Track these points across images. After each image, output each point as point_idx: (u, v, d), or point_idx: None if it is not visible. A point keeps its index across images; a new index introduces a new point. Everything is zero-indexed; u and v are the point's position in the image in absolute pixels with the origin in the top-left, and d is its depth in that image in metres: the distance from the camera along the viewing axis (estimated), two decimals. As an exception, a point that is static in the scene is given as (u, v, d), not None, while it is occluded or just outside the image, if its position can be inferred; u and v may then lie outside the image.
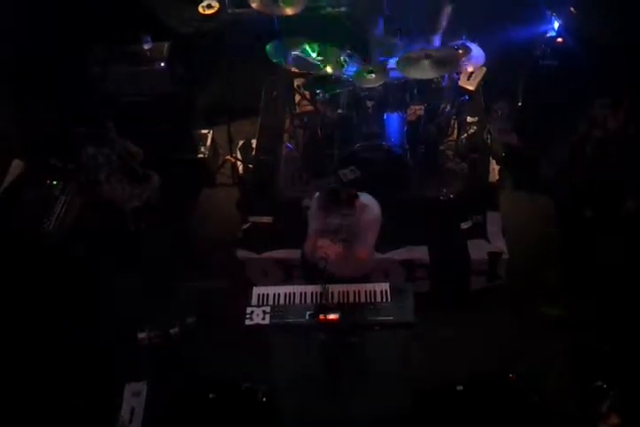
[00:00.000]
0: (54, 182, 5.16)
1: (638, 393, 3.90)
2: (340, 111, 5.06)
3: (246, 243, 5.03)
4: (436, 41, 5.29)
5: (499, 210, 5.02)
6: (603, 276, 4.55)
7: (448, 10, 5.23)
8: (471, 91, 5.36)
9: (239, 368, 4.31)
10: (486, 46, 5.07)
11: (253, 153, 5.71)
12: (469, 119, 5.48)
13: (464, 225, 4.95)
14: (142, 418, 3.79)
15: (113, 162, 4.88)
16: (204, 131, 5.87)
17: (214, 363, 4.37)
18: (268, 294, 4.06)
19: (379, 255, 4.77)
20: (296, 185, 5.35)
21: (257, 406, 4.02)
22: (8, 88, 5.48)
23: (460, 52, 4.97)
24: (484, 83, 5.43)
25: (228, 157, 5.77)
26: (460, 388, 3.93)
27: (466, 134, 5.41)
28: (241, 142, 5.89)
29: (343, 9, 5.80)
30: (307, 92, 5.61)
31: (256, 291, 4.10)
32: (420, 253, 4.83)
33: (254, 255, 4.96)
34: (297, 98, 5.70)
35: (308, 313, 3.91)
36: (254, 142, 5.77)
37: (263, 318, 3.92)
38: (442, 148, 5.38)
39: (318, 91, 5.08)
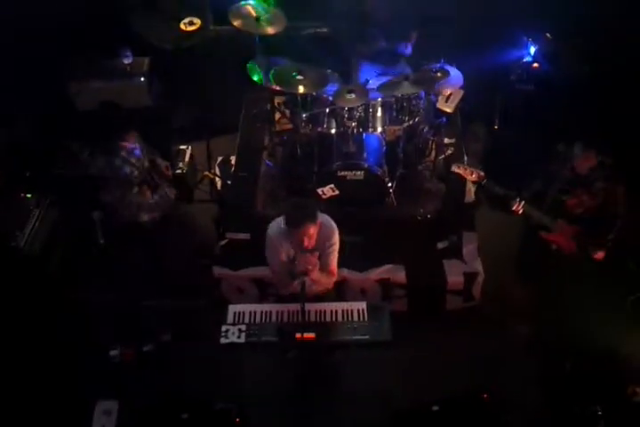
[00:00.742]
0: (28, 195, 5.09)
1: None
2: (319, 130, 5.10)
3: (222, 260, 5.00)
4: (408, 49, 5.44)
5: (475, 230, 5.07)
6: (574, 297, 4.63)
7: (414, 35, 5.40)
8: (449, 113, 5.45)
9: (213, 387, 4.24)
10: (464, 70, 5.18)
11: (232, 169, 5.70)
12: (447, 140, 5.56)
13: (440, 245, 4.98)
14: (113, 438, 3.72)
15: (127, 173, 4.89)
16: (183, 146, 5.85)
17: (188, 382, 4.29)
18: (243, 312, 4.03)
19: (356, 274, 4.80)
20: (274, 202, 5.35)
21: (230, 426, 3.97)
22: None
23: (439, 74, 5.07)
24: (462, 105, 5.54)
25: (207, 172, 5.75)
26: (435, 408, 3.93)
27: (443, 155, 5.49)
28: (220, 158, 5.90)
29: (324, 29, 5.89)
30: (286, 111, 5.66)
31: (232, 309, 4.07)
32: (397, 272, 4.85)
33: (230, 272, 4.92)
34: (277, 116, 5.74)
35: (284, 332, 3.90)
36: (233, 159, 5.77)
37: (238, 337, 3.89)
38: (420, 168, 5.44)
39: (298, 109, 5.11)
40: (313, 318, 3.96)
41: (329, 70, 5.18)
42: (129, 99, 5.90)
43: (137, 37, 6.10)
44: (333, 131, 5.10)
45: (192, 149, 5.84)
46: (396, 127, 5.17)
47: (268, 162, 5.64)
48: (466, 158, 5.56)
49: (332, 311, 4.00)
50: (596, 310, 4.47)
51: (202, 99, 5.96)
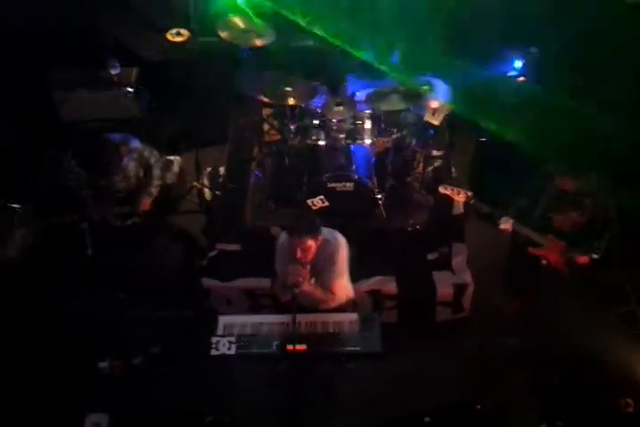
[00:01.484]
0: (14, 205, 5.03)
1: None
2: (308, 141, 5.12)
3: (212, 271, 4.97)
4: (395, 58, 5.55)
5: (464, 242, 5.11)
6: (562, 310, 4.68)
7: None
8: (436, 125, 5.51)
9: (204, 400, 4.19)
10: (451, 83, 5.25)
11: (221, 180, 5.70)
12: (435, 153, 5.61)
13: (430, 256, 5.01)
14: (103, 451, 3.66)
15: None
16: (171, 157, 5.83)
17: (178, 394, 4.24)
18: (234, 324, 4.02)
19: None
20: (264, 213, 5.35)
21: (221, 439, 3.94)
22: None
23: (426, 88, 5.14)
24: (449, 118, 5.60)
25: (196, 183, 5.73)
26: (427, 419, 3.93)
27: (431, 167, 5.54)
28: (209, 169, 5.88)
29: (312, 42, 5.93)
30: (275, 122, 5.68)
31: (222, 320, 4.05)
32: (388, 283, 4.86)
33: (220, 284, 4.90)
34: (266, 127, 5.75)
35: (275, 343, 3.89)
36: (222, 170, 5.77)
37: (229, 349, 3.87)
38: (408, 180, 5.48)
39: (287, 121, 5.13)
40: (304, 330, 3.96)
41: (317, 83, 5.22)
42: (116, 109, 5.87)
43: (125, 48, 6.10)
44: (322, 142, 5.13)
45: (181, 160, 5.82)
46: (385, 139, 5.22)
47: (257, 173, 5.64)
48: (453, 170, 5.63)
49: (322, 323, 4.00)
50: (584, 322, 4.52)
51: (190, 109, 5.95)
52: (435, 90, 5.19)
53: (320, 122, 5.10)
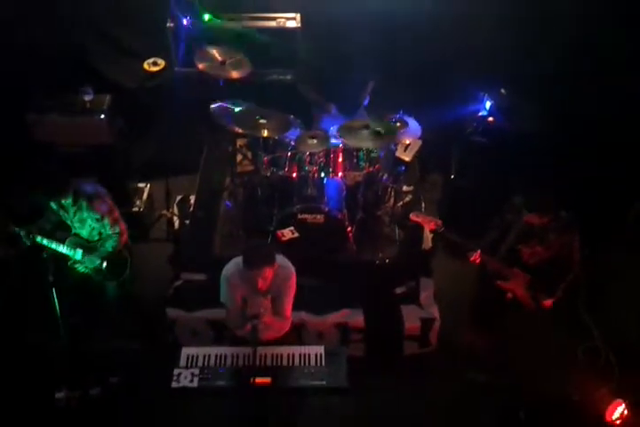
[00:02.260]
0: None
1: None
2: (280, 173, 5.14)
3: (177, 301, 4.89)
4: (365, 101, 5.60)
5: (432, 276, 5.13)
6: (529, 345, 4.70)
7: (372, 84, 5.57)
8: (407, 161, 5.61)
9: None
10: (423, 121, 5.36)
11: (191, 209, 5.66)
12: (405, 188, 5.70)
13: (398, 290, 5.02)
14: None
15: None
16: (141, 184, 5.79)
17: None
18: (197, 356, 3.94)
19: (314, 317, 4.76)
20: (232, 243, 5.30)
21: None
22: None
23: (398, 124, 5.23)
24: (420, 155, 5.70)
25: (165, 211, 5.68)
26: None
27: (402, 202, 5.61)
28: (179, 198, 5.85)
29: (289, 77, 6.02)
30: (248, 153, 5.70)
31: (185, 352, 3.97)
32: (355, 316, 4.83)
33: (185, 314, 4.81)
34: (239, 157, 5.77)
35: (238, 376, 3.81)
36: (192, 198, 5.74)
37: (191, 381, 3.79)
38: (379, 213, 5.52)
39: (260, 152, 5.16)
40: (269, 362, 3.90)
41: (292, 116, 5.28)
42: (88, 135, 5.83)
43: (99, 75, 6.10)
44: (294, 174, 5.15)
45: (151, 188, 5.79)
46: (357, 173, 5.27)
47: (227, 202, 5.62)
48: (423, 205, 5.70)
49: (288, 355, 3.95)
50: (550, 357, 4.55)
51: (163, 138, 5.95)
52: (407, 127, 5.28)
53: (293, 154, 5.14)
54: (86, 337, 4.62)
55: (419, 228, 5.16)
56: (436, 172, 6.12)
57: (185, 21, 5.63)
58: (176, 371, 3.83)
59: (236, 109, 5.18)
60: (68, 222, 4.57)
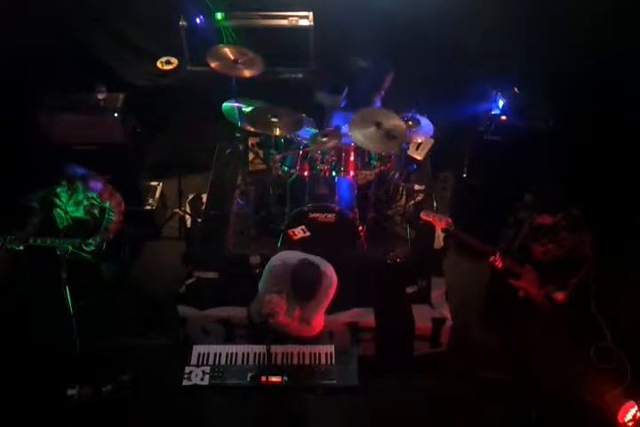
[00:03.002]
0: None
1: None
2: (292, 171, 5.15)
3: (189, 299, 4.91)
4: (377, 102, 5.56)
5: (443, 276, 5.11)
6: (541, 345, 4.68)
7: (391, 76, 5.54)
8: (419, 160, 5.61)
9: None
10: (435, 119, 5.34)
11: (203, 207, 5.69)
12: (417, 187, 5.69)
13: (409, 289, 5.00)
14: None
15: None
16: (154, 183, 5.82)
17: (147, 424, 4.14)
18: (208, 354, 3.96)
19: (325, 317, 4.75)
20: (244, 242, 5.32)
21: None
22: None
23: (410, 123, 5.21)
24: (432, 153, 5.68)
25: (177, 210, 5.71)
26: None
27: (413, 201, 5.59)
28: (191, 196, 5.88)
29: (300, 75, 6.02)
30: (260, 151, 5.71)
31: (196, 350, 3.99)
32: (366, 315, 4.83)
33: (196, 312, 4.83)
34: (250, 156, 5.78)
35: (249, 375, 3.82)
36: (204, 197, 5.76)
37: (202, 379, 3.81)
38: (390, 213, 5.51)
39: (272, 151, 5.17)
40: (280, 361, 3.90)
41: (303, 114, 5.27)
42: (101, 134, 5.86)
43: (113, 73, 6.13)
44: (306, 173, 5.15)
45: (163, 186, 5.82)
46: (368, 172, 5.26)
47: (239, 201, 5.64)
48: (435, 204, 5.68)
49: (299, 354, 3.95)
50: (563, 357, 4.52)
51: (175, 136, 5.97)
52: (419, 126, 5.26)
53: (305, 153, 5.14)
54: (98, 335, 4.66)
55: (430, 227, 5.14)
56: (448, 170, 6.11)
57: (198, 20, 5.64)
58: (187, 369, 3.85)
59: (248, 109, 5.19)
60: (62, 209, 4.65)
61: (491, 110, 5.59)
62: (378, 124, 4.83)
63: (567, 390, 4.40)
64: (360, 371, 3.82)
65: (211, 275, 5.08)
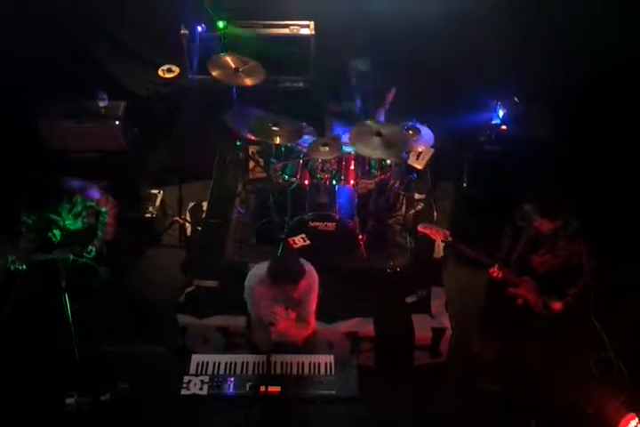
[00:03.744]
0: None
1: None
2: (292, 180, 5.15)
3: (188, 307, 4.90)
4: (381, 117, 5.57)
5: (443, 286, 5.10)
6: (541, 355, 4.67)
7: (393, 91, 5.55)
8: (419, 169, 5.61)
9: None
10: (435, 129, 5.35)
11: (203, 215, 5.69)
12: (417, 196, 5.70)
13: (409, 299, 4.99)
14: None
15: None
16: (154, 191, 5.82)
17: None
18: (207, 363, 3.95)
19: (324, 326, 4.75)
20: (244, 250, 5.32)
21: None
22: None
23: (410, 132, 5.22)
24: (432, 163, 5.69)
25: (177, 218, 5.71)
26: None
27: (413, 210, 5.59)
28: (191, 204, 5.87)
29: (301, 84, 6.04)
30: (261, 160, 5.72)
31: (195, 359, 3.98)
32: (365, 325, 4.81)
33: (195, 321, 4.82)
34: (251, 164, 5.79)
35: (248, 384, 3.81)
36: (205, 205, 5.76)
37: (201, 388, 3.79)
38: (390, 222, 5.51)
39: (273, 159, 5.17)
40: (279, 371, 3.89)
41: (304, 123, 5.28)
42: (102, 142, 5.89)
43: (114, 81, 6.15)
44: (306, 182, 5.16)
45: (163, 194, 5.82)
46: (368, 181, 5.27)
47: (239, 209, 5.64)
48: (435, 214, 5.68)
49: (298, 364, 3.94)
50: (562, 367, 4.50)
51: (176, 144, 5.98)
52: (419, 135, 5.27)
53: (305, 161, 5.15)
54: (96, 343, 4.64)
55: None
56: (449, 180, 6.10)
57: (199, 29, 5.67)
58: (186, 378, 3.84)
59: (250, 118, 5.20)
60: (59, 226, 4.62)
61: (491, 120, 5.63)
62: (379, 134, 4.85)
63: (567, 402, 4.37)
64: (359, 381, 3.81)
65: (210, 283, 5.07)
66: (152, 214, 5.67)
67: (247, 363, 3.93)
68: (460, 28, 5.57)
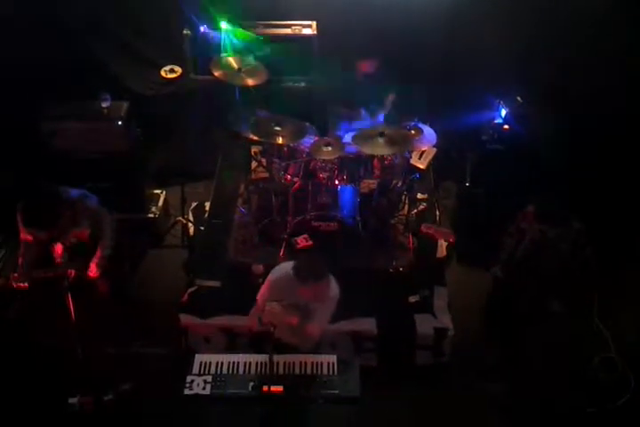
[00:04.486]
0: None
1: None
2: (295, 180, 5.15)
3: (191, 307, 4.90)
4: (380, 118, 5.58)
5: (446, 285, 5.09)
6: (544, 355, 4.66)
7: (392, 96, 5.55)
8: (422, 169, 5.59)
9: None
10: (438, 128, 5.34)
11: (206, 215, 5.69)
12: (420, 196, 5.71)
13: (412, 299, 4.99)
14: None
15: None
16: (157, 191, 5.84)
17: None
18: (210, 363, 3.96)
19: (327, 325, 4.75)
20: (246, 250, 5.32)
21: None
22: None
23: (413, 132, 5.22)
24: (434, 162, 5.68)
25: (180, 218, 5.72)
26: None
27: (416, 210, 5.59)
28: (194, 204, 5.88)
29: (303, 84, 6.04)
30: (263, 160, 5.72)
31: (198, 358, 3.99)
32: (368, 324, 4.81)
33: (198, 321, 4.82)
34: (253, 164, 5.79)
35: (251, 384, 3.82)
36: (207, 205, 5.77)
37: (204, 388, 3.80)
38: (392, 221, 5.51)
39: (275, 159, 5.17)
40: (282, 371, 3.90)
41: (307, 123, 5.28)
42: (105, 142, 5.89)
43: (116, 82, 6.16)
44: (308, 181, 5.15)
45: (166, 194, 5.84)
46: (371, 181, 5.27)
47: (242, 209, 5.65)
48: (438, 213, 5.68)
49: (301, 364, 3.95)
50: (565, 368, 4.50)
51: (178, 145, 5.99)
52: (422, 134, 5.27)
53: (307, 161, 5.15)
54: (99, 343, 4.64)
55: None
56: (451, 179, 6.10)
57: (201, 29, 5.67)
58: (189, 378, 3.85)
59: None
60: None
61: (493, 119, 5.62)
62: (382, 134, 4.86)
63: (570, 402, 4.37)
64: (362, 381, 3.81)
65: (213, 283, 5.07)
66: (155, 214, 5.69)
67: (250, 363, 3.94)
68: (462, 27, 5.56)
